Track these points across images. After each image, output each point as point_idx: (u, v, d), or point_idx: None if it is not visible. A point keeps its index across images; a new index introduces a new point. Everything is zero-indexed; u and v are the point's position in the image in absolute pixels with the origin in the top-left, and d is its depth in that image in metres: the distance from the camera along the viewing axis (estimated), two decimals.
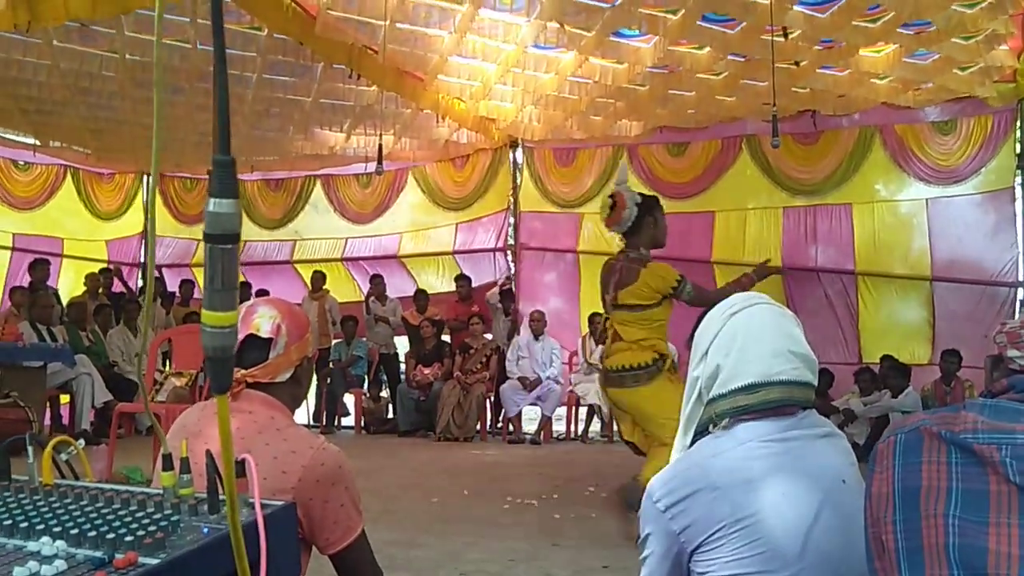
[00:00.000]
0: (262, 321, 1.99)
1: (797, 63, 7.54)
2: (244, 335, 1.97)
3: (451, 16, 6.98)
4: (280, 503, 1.44)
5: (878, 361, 9.13)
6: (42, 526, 1.33)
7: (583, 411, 10.01)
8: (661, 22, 6.80)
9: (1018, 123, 9.16)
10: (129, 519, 1.34)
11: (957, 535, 1.22)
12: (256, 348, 1.98)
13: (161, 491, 1.49)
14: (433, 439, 9.48)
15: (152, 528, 1.29)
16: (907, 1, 6.48)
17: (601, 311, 9.92)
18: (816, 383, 1.78)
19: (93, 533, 1.27)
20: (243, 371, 1.97)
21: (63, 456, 1.63)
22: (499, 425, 10.14)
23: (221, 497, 1.41)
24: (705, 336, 1.83)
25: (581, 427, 9.95)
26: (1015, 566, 1.18)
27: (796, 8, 6.57)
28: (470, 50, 7.62)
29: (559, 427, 10.08)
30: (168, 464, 1.49)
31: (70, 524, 1.32)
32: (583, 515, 5.34)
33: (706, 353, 1.81)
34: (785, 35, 6.79)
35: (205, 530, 1.31)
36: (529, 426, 10.18)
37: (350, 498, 1.96)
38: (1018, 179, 9.24)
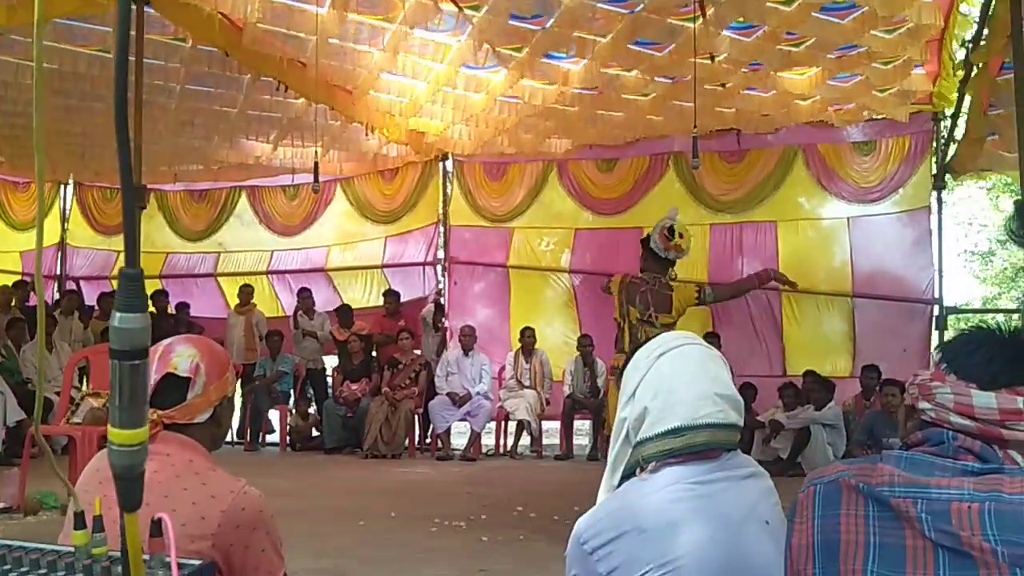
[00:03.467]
0: (180, 360, 1.94)
1: (723, 85, 7.69)
2: (161, 374, 1.92)
3: (381, 33, 6.94)
4: (198, 563, 1.39)
5: (801, 375, 9.32)
6: None
7: (512, 426, 10.00)
8: (591, 45, 6.86)
9: (933, 144, 9.48)
10: None
11: None
12: (174, 388, 1.93)
13: (73, 549, 1.43)
14: (360, 456, 9.37)
15: None
16: (827, 27, 6.67)
17: (532, 326, 10.08)
18: (742, 423, 1.80)
19: None
20: (160, 412, 1.91)
21: None
22: (427, 441, 10.07)
23: (144, 557, 1.36)
24: (633, 377, 1.83)
25: (510, 442, 9.94)
26: None
27: (723, 33, 6.71)
28: (400, 68, 7.59)
29: (488, 442, 10.06)
30: (80, 522, 1.43)
31: None
32: (511, 538, 5.32)
33: (633, 394, 1.82)
34: (712, 59, 6.92)
35: None
36: (458, 441, 10.14)
37: (271, 543, 1.92)
38: (934, 197, 9.56)
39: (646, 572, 1.62)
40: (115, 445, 0.94)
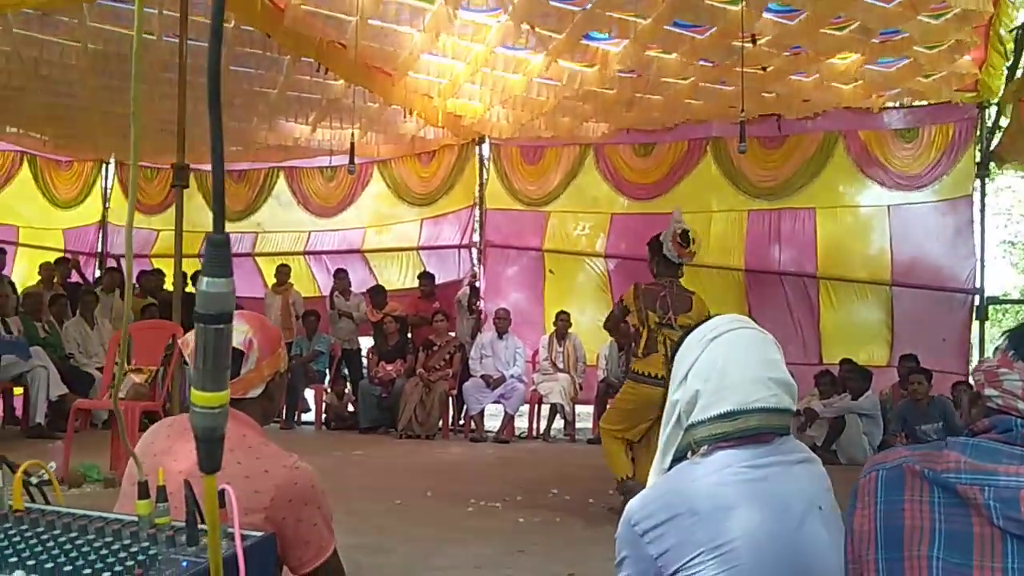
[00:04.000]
0: (233, 335, 1.95)
1: (764, 68, 7.61)
2: None
3: (421, 14, 6.93)
4: (260, 535, 1.41)
5: (837, 363, 9.24)
6: (15, 558, 1.29)
7: (545, 409, 10.01)
8: (632, 26, 6.82)
9: (978, 132, 9.32)
10: (105, 551, 1.31)
11: None
12: None
13: (136, 519, 1.45)
14: (395, 436, 9.43)
15: (130, 562, 1.26)
16: (873, 11, 6.58)
17: (567, 311, 10.07)
18: (795, 408, 1.79)
19: (69, 567, 1.24)
20: None
21: (34, 479, 1.59)
22: (461, 423, 10.12)
23: (200, 528, 1.39)
24: (685, 360, 1.83)
25: (543, 426, 9.95)
26: None
27: (765, 16, 6.63)
28: (440, 48, 7.59)
29: (521, 425, 10.09)
30: (144, 492, 1.45)
31: (44, 557, 1.28)
32: (547, 519, 5.34)
33: (685, 377, 1.81)
34: (754, 41, 6.85)
35: (184, 564, 1.28)
36: (491, 424, 10.17)
37: (322, 517, 1.94)
38: (976, 185, 9.41)
39: (698, 555, 1.61)
40: (197, 407, 0.96)
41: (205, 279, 0.93)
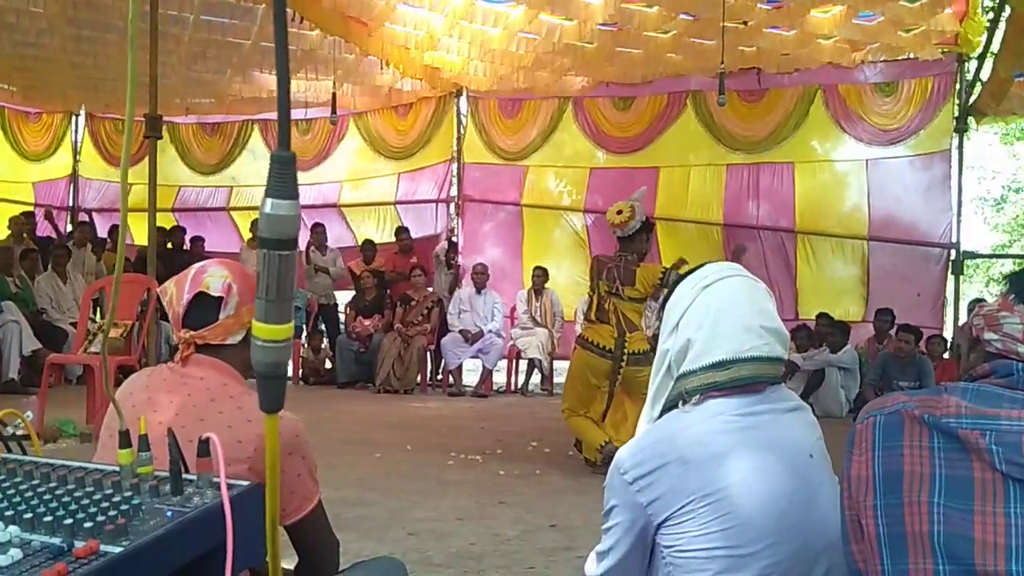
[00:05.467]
0: (212, 280, 1.90)
1: (745, 23, 7.54)
2: (193, 294, 1.88)
3: None
4: (247, 484, 1.37)
5: (814, 318, 9.29)
6: None
7: (523, 364, 10.03)
8: None
9: (957, 86, 9.30)
10: (86, 502, 1.27)
11: (942, 523, 1.22)
12: (206, 308, 1.89)
13: (117, 469, 1.41)
14: (373, 391, 9.43)
15: (112, 512, 1.22)
16: None
17: (544, 266, 10.05)
18: (787, 356, 1.77)
19: (49, 518, 1.20)
20: (192, 332, 1.88)
21: (9, 429, 1.54)
22: (439, 377, 10.12)
23: (186, 478, 1.35)
24: (676, 308, 1.79)
25: (521, 380, 9.97)
26: (1001, 556, 1.18)
27: None
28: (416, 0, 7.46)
29: (499, 379, 10.10)
30: (126, 441, 1.41)
31: (23, 508, 1.24)
32: (527, 472, 5.36)
33: (676, 326, 1.78)
34: None
35: (169, 514, 1.24)
36: (469, 378, 10.18)
37: (306, 467, 1.91)
38: (954, 141, 9.41)
39: (689, 503, 1.60)
40: (260, 340, 0.90)
41: (269, 200, 0.87)
